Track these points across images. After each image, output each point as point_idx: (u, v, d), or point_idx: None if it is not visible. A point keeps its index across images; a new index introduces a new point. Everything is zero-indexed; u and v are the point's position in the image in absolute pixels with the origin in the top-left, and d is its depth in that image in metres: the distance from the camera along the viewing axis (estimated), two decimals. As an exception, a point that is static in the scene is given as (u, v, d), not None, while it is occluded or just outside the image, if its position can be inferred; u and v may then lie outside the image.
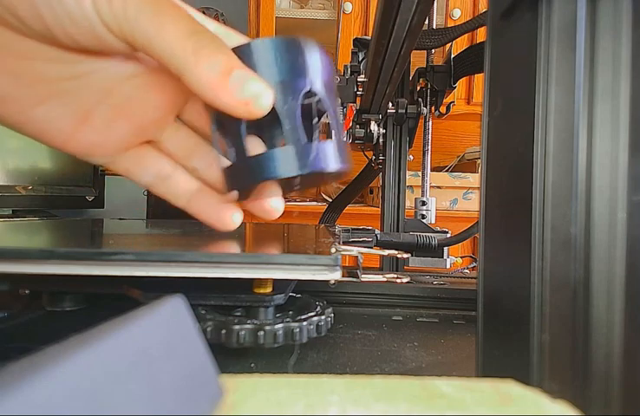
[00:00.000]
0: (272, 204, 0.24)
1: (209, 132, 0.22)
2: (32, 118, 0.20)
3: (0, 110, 0.20)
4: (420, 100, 0.53)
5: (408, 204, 0.55)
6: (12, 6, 0.17)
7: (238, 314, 0.24)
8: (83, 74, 0.20)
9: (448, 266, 0.48)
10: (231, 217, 0.23)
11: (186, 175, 0.24)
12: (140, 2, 0.18)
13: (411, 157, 0.57)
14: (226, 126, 0.20)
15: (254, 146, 0.22)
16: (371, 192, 1.28)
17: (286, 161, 0.19)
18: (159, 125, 0.23)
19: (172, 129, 0.23)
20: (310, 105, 0.21)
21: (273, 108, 0.18)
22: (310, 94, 0.19)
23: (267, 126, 0.22)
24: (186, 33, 0.18)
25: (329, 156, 0.19)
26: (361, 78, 0.50)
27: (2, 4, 0.17)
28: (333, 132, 0.20)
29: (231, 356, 0.23)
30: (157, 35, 0.18)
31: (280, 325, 0.22)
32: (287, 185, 0.22)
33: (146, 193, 1.38)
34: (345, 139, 0.22)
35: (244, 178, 0.20)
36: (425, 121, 0.55)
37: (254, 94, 0.18)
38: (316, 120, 0.22)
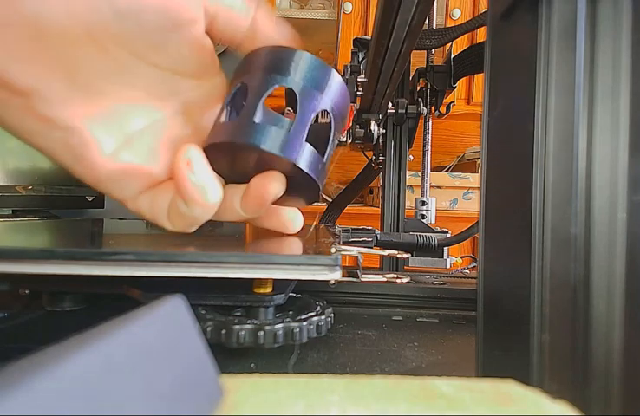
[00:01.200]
0: (289, 215, 0.24)
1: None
2: (82, 127, 0.20)
3: (55, 113, 0.20)
4: (420, 100, 0.53)
5: (408, 204, 0.55)
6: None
7: (238, 314, 0.24)
8: (141, 99, 0.22)
9: (448, 266, 0.48)
10: None
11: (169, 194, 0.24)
12: None
13: (411, 157, 0.57)
14: (251, 92, 0.22)
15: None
16: (371, 192, 1.28)
17: (272, 137, 0.21)
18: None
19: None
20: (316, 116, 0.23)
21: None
22: (320, 105, 0.22)
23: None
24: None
25: (308, 159, 0.22)
26: (361, 78, 0.50)
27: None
28: (327, 148, 0.23)
29: (231, 356, 0.23)
30: None
31: (280, 325, 0.22)
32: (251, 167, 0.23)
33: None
34: (327, 163, 0.24)
35: (229, 134, 0.21)
36: (425, 121, 0.55)
37: None
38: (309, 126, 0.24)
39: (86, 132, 0.20)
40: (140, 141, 0.22)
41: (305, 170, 0.21)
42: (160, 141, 0.22)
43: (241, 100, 0.23)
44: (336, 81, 0.23)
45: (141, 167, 0.22)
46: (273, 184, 0.22)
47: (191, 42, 0.21)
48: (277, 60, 0.22)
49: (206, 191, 0.20)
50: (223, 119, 0.22)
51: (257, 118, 0.21)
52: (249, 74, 0.22)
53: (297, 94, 0.22)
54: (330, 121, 0.23)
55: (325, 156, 0.23)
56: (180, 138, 0.22)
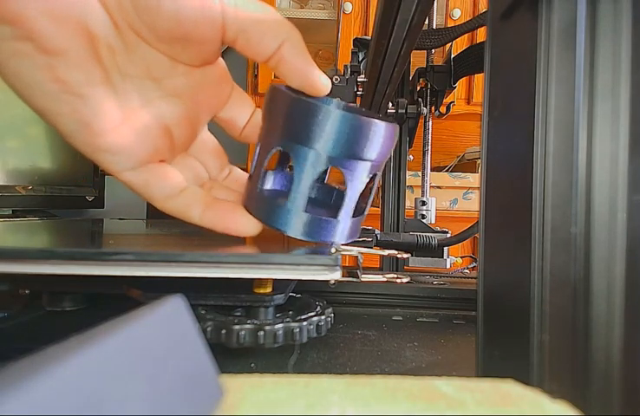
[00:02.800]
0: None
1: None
2: (91, 94, 0.20)
3: (68, 77, 0.20)
4: (420, 100, 0.53)
5: (408, 204, 0.55)
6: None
7: (238, 314, 0.24)
8: (137, 76, 0.22)
9: (448, 266, 0.48)
10: (247, 224, 0.23)
11: (197, 191, 0.24)
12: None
13: (411, 157, 0.57)
14: (260, 151, 0.22)
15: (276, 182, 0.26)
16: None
17: (283, 222, 0.21)
18: (190, 139, 0.24)
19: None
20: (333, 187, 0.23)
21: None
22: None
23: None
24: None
25: (325, 233, 0.21)
26: (361, 78, 0.50)
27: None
28: (343, 216, 0.22)
29: (231, 356, 0.23)
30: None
31: (280, 325, 0.22)
32: None
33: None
34: (361, 218, 0.24)
35: (250, 208, 0.22)
36: (425, 121, 0.55)
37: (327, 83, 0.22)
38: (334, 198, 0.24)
39: (98, 100, 0.21)
40: (138, 118, 0.22)
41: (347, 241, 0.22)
42: (155, 120, 0.22)
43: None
44: (379, 136, 0.19)
45: (139, 143, 0.22)
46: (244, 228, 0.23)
47: (197, 51, 0.21)
48: (306, 125, 0.19)
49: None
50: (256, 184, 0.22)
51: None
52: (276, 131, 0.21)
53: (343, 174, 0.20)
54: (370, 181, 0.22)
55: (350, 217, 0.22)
56: (172, 119, 0.23)
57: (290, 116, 0.19)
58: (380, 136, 0.19)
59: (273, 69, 0.22)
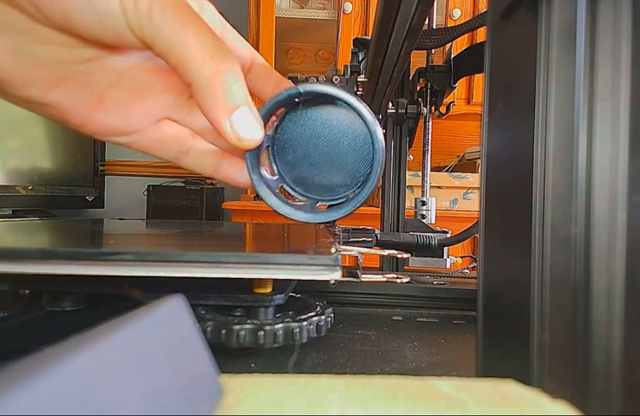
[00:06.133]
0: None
1: None
2: (52, 100, 0.21)
3: (24, 93, 0.20)
4: (420, 100, 0.53)
5: (408, 204, 0.55)
6: None
7: (238, 314, 0.24)
8: (94, 59, 0.21)
9: (448, 266, 0.48)
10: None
11: (208, 145, 0.24)
12: (164, 7, 0.18)
13: (411, 157, 0.57)
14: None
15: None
16: (371, 192, 1.28)
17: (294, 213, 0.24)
18: (172, 105, 0.24)
19: (188, 106, 0.24)
20: None
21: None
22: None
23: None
24: (209, 52, 0.19)
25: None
26: (361, 78, 0.50)
27: None
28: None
29: (231, 356, 0.23)
30: (179, 45, 0.18)
31: (280, 325, 0.22)
32: None
33: (146, 193, 1.38)
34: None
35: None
36: (425, 121, 0.55)
37: (246, 137, 0.20)
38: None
39: (59, 104, 0.21)
40: (110, 98, 0.22)
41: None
42: (129, 93, 0.22)
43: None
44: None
45: (118, 124, 0.22)
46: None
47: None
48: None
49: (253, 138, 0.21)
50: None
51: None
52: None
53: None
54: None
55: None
56: (148, 85, 0.23)
57: None
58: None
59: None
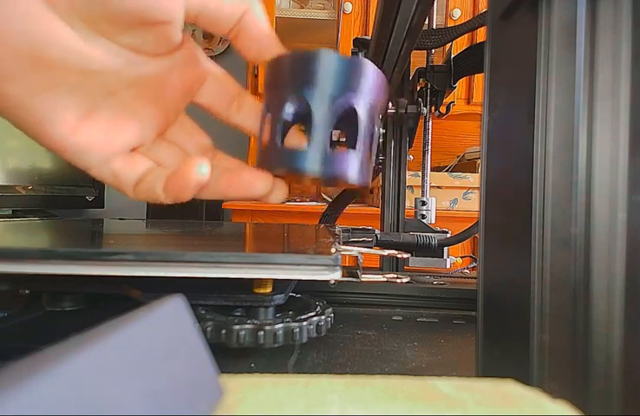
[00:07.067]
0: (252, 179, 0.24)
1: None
2: (36, 104, 0.20)
3: (6, 90, 0.19)
4: (420, 100, 0.53)
5: (408, 204, 0.55)
6: None
7: (238, 314, 0.24)
8: (95, 71, 0.20)
9: (448, 266, 0.48)
10: (257, 180, 0.22)
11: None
12: None
13: (411, 157, 0.57)
14: (272, 111, 0.22)
15: (293, 137, 0.24)
16: (371, 192, 1.28)
17: (310, 162, 0.21)
18: (145, 137, 0.23)
19: (154, 144, 0.24)
20: (349, 119, 0.22)
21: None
22: (351, 111, 0.21)
23: (308, 122, 0.23)
24: None
25: (350, 167, 0.21)
26: (361, 78, 0.50)
27: None
28: (360, 146, 0.21)
29: (231, 356, 0.23)
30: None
31: (280, 325, 0.22)
32: (309, 179, 0.23)
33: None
34: (372, 158, 0.24)
35: (271, 163, 0.22)
36: (425, 121, 0.55)
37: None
38: (349, 133, 0.23)
39: (39, 110, 0.20)
40: (100, 115, 0.21)
41: (360, 182, 0.22)
42: (119, 113, 0.22)
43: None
44: (369, 75, 0.21)
45: (101, 139, 0.22)
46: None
47: (159, 36, 0.20)
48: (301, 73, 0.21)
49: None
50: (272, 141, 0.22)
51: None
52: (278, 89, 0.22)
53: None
54: (361, 121, 0.22)
55: (364, 152, 0.22)
56: (138, 109, 0.22)
57: (296, 68, 0.21)
58: (370, 72, 0.21)
59: (232, 40, 0.22)
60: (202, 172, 0.21)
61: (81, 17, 0.19)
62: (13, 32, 0.18)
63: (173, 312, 0.11)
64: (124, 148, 0.23)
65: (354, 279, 0.25)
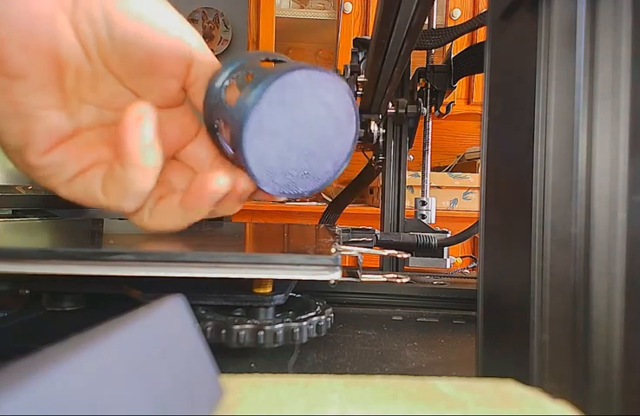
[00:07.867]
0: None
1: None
2: (39, 117, 0.21)
3: (10, 108, 0.20)
4: (420, 100, 0.53)
5: (408, 204, 0.55)
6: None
7: (238, 314, 0.24)
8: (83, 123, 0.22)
9: (448, 266, 0.48)
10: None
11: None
12: None
13: (411, 157, 0.57)
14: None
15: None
16: (371, 192, 1.28)
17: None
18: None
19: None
20: None
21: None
22: None
23: None
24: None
25: None
26: (361, 78, 0.50)
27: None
28: None
29: (231, 356, 0.23)
30: None
31: (280, 325, 0.22)
32: None
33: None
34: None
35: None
36: (425, 121, 0.55)
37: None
38: None
39: (48, 123, 0.21)
40: (81, 136, 0.22)
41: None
42: (100, 140, 0.23)
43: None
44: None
45: (75, 159, 0.22)
46: (217, 178, 0.21)
47: (161, 89, 0.22)
48: None
49: (146, 153, 0.20)
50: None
51: None
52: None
53: None
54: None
55: None
56: (91, 151, 0.23)
57: None
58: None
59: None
60: (220, 183, 0.21)
61: (100, 52, 0.21)
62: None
63: (173, 312, 0.11)
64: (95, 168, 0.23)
65: (354, 279, 0.25)
